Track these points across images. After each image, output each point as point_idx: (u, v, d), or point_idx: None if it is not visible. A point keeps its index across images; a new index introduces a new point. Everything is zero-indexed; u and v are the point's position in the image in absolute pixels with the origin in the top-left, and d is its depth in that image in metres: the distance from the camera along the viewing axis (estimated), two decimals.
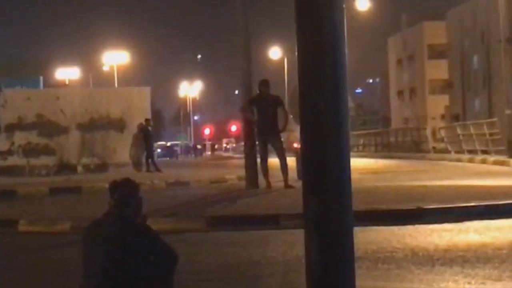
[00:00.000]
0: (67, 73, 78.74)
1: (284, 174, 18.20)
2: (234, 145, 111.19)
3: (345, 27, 4.53)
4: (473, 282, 7.59)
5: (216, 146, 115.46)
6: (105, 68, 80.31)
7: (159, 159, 45.61)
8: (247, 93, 19.42)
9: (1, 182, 24.35)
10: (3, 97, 30.55)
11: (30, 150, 30.12)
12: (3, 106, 30.16)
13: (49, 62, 69.37)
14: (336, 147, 4.44)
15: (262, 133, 18.30)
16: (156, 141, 64.30)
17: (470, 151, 36.06)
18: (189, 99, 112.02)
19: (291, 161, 19.83)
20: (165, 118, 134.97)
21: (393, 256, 9.27)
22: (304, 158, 4.53)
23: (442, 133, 44.06)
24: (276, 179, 18.71)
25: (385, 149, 51.93)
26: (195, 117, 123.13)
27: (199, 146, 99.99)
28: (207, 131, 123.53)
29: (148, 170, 30.10)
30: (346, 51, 4.51)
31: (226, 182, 23.18)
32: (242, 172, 20.75)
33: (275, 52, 77.17)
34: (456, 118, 71.20)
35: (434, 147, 44.90)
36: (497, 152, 32.66)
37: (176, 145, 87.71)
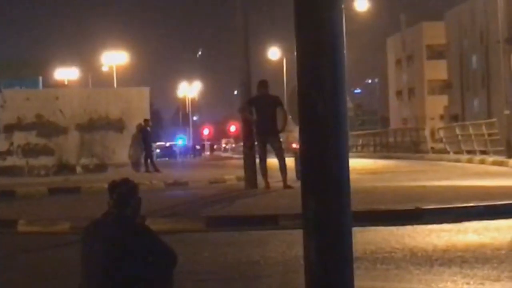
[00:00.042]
0: (66, 74, 78.70)
1: (283, 175, 18.21)
2: (233, 145, 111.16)
3: (344, 28, 4.54)
4: (471, 282, 7.60)
5: (215, 147, 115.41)
6: (104, 68, 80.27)
7: (158, 159, 45.60)
8: (246, 93, 19.42)
9: (0, 182, 24.35)
10: (2, 97, 30.55)
11: (29, 151, 30.12)
12: (2, 107, 30.16)
13: (48, 62, 69.39)
14: (335, 147, 4.45)
15: (261, 134, 18.31)
16: (155, 142, 64.29)
17: (469, 152, 36.06)
18: (188, 100, 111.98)
19: (290, 161, 19.83)
20: (164, 118, 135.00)
21: (391, 256, 9.27)
22: (303, 159, 4.54)
23: (441, 133, 44.06)
24: (275, 179, 18.71)
25: (384, 150, 51.92)
26: (194, 118, 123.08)
27: (198, 147, 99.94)
28: (206, 132, 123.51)
29: (147, 171, 30.10)
30: (345, 51, 4.52)
31: (225, 183, 23.18)
32: (241, 173, 20.75)
33: (274, 53, 77.15)
34: (455, 118, 71.21)
35: (432, 148, 44.91)
36: (496, 153, 32.67)
37: (175, 145, 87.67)
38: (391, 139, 52.72)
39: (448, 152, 39.26)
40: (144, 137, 30.78)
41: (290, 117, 19.05)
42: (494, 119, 38.27)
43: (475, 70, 72.37)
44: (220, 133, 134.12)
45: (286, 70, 74.20)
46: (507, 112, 32.33)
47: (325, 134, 4.44)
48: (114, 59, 75.31)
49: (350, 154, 4.73)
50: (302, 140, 4.53)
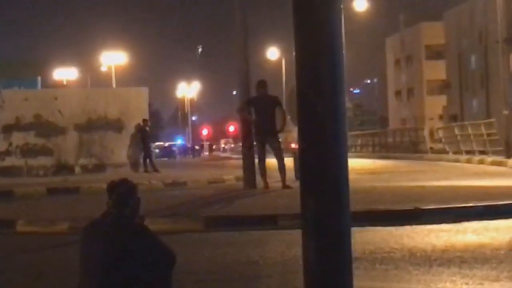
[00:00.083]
0: (65, 74, 78.68)
1: (282, 175, 18.21)
2: (232, 145, 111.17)
3: (343, 28, 4.54)
4: (470, 282, 7.59)
5: (214, 147, 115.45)
6: (103, 68, 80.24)
7: (157, 159, 45.60)
8: (245, 93, 19.42)
9: None
10: (1, 97, 30.56)
11: (28, 151, 30.12)
12: (1, 107, 30.17)
13: (47, 63, 69.39)
14: (333, 147, 4.44)
15: (260, 134, 18.31)
16: (154, 142, 64.29)
17: (468, 152, 36.08)
18: (187, 100, 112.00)
19: (289, 161, 19.83)
20: (163, 118, 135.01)
21: (390, 256, 9.27)
22: (302, 159, 4.54)
23: (440, 133, 44.08)
24: (274, 179, 18.71)
25: (382, 150, 51.94)
26: (193, 118, 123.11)
27: (197, 147, 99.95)
28: (205, 132, 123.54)
29: (146, 171, 30.10)
30: (343, 51, 4.52)
31: (224, 183, 23.18)
32: (240, 173, 20.75)
33: (273, 53, 77.14)
34: (454, 118, 71.23)
35: (432, 148, 44.95)
36: (495, 153, 32.68)
37: (174, 145, 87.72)
38: (390, 139, 52.75)
39: (447, 152, 39.28)
40: (143, 137, 30.78)
41: (289, 117, 19.05)
42: (493, 119, 38.28)
43: (474, 70, 72.40)
44: (219, 133, 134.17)
45: (285, 70, 74.19)
46: (506, 112, 32.35)
47: (324, 134, 4.44)
48: (113, 59, 75.28)
49: (349, 154, 4.72)
50: (301, 140, 4.53)
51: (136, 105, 31.01)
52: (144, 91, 32.29)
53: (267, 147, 18.36)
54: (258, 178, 18.73)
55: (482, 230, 11.27)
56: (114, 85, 66.44)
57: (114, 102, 30.85)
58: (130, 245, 5.23)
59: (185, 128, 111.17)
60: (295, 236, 6.72)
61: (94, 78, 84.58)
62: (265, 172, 18.39)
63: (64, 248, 10.99)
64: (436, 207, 12.97)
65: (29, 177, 28.41)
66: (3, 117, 30.02)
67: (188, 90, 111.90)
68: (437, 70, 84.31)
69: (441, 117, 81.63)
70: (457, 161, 34.21)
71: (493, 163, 29.56)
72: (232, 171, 27.01)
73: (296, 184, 15.13)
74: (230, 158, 65.94)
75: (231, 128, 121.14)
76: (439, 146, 43.89)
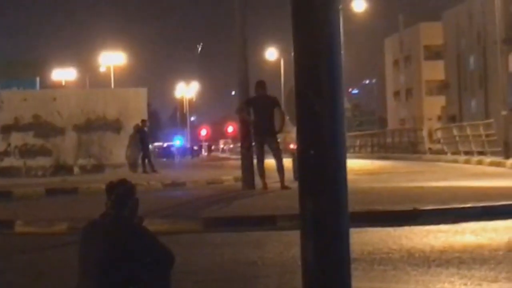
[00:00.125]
0: (64, 74, 78.69)
1: (280, 175, 18.21)
2: (231, 146, 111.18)
3: (342, 28, 4.54)
4: (469, 283, 7.60)
5: (212, 147, 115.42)
6: (102, 69, 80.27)
7: (158, 159, 45.62)
8: (244, 94, 19.42)
9: None
10: (0, 98, 30.55)
11: (26, 151, 30.12)
12: (0, 107, 30.16)
13: (46, 63, 69.34)
14: (332, 148, 4.44)
15: (258, 134, 18.31)
16: (153, 142, 64.32)
17: (466, 152, 36.08)
18: (186, 100, 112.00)
19: (288, 162, 19.84)
20: (161, 119, 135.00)
21: (389, 257, 9.28)
22: (300, 159, 4.54)
23: (439, 134, 44.09)
24: (273, 180, 18.72)
25: (381, 150, 51.95)
26: (192, 118, 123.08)
27: (195, 147, 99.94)
28: (203, 132, 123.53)
29: (144, 171, 30.10)
30: (342, 52, 4.52)
31: (223, 183, 23.18)
32: (238, 173, 20.75)
33: (271, 53, 77.16)
34: (452, 119, 71.30)
35: (430, 148, 44.94)
36: (493, 153, 32.68)
37: (172, 146, 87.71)
38: (388, 140, 52.76)
39: (445, 153, 39.28)
40: (142, 137, 30.78)
41: (287, 117, 19.05)
42: (491, 120, 38.28)
43: (472, 71, 72.46)
44: (218, 133, 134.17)
45: (284, 70, 74.22)
46: (504, 112, 32.33)
47: (322, 134, 4.44)
48: (112, 59, 75.30)
49: (347, 154, 4.72)
50: (300, 141, 4.53)
51: (135, 105, 31.01)
52: (142, 92, 32.29)
53: (266, 147, 18.36)
54: (257, 178, 18.73)
55: (481, 231, 11.28)
56: (112, 86, 66.46)
57: (112, 102, 30.85)
58: (129, 246, 5.23)
59: (183, 129, 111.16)
60: (294, 236, 6.73)
61: (92, 79, 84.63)
62: (264, 172, 18.40)
63: (63, 249, 10.99)
64: (435, 208, 12.97)
65: (28, 178, 28.40)
66: (1, 118, 30.01)
67: (186, 90, 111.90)
68: (435, 71, 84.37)
69: (439, 117, 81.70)
70: (455, 161, 34.22)
71: (492, 164, 29.56)
72: (230, 172, 27.01)
73: (294, 185, 15.13)
74: (228, 158, 65.95)
75: (230, 129, 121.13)
76: (437, 146, 43.89)
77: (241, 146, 20.08)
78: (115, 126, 30.54)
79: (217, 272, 8.89)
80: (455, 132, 39.14)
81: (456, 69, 75.76)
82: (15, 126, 30.11)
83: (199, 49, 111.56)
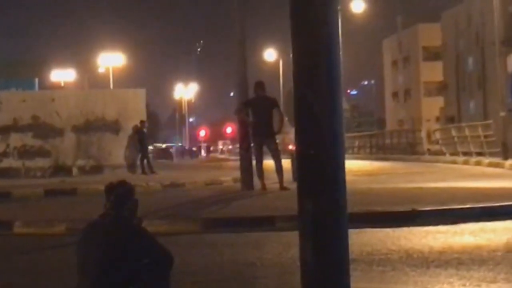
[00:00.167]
0: (63, 75, 78.65)
1: (279, 176, 18.22)
2: (230, 147, 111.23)
3: (340, 29, 4.55)
4: (468, 284, 7.60)
5: (211, 148, 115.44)
6: (101, 70, 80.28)
7: (156, 160, 45.61)
8: (243, 95, 19.43)
9: None
10: None
11: (25, 152, 30.12)
12: None
13: (45, 64, 69.30)
14: (331, 148, 4.45)
15: (257, 135, 18.31)
16: (151, 143, 64.29)
17: (465, 153, 36.09)
18: (185, 101, 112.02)
19: (286, 163, 19.84)
20: (160, 120, 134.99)
21: (388, 258, 9.28)
22: (299, 160, 4.55)
23: (437, 135, 44.10)
24: (271, 181, 18.72)
25: (380, 151, 51.96)
26: (191, 119, 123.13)
27: (194, 148, 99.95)
28: (202, 133, 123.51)
29: (143, 172, 30.09)
30: (341, 52, 4.53)
31: (222, 184, 23.17)
32: (237, 174, 20.75)
33: (270, 54, 77.16)
34: (451, 120, 71.32)
35: (429, 149, 44.94)
36: (492, 154, 32.69)
37: (171, 147, 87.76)
38: (387, 141, 52.78)
39: (444, 154, 39.29)
40: (140, 138, 30.78)
41: (286, 118, 19.06)
42: (490, 121, 38.30)
43: (471, 72, 72.47)
44: (217, 134, 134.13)
45: (283, 71, 74.23)
46: (503, 113, 32.35)
47: (321, 135, 4.44)
48: (111, 60, 75.31)
49: (346, 155, 4.73)
50: (298, 142, 4.54)
51: (134, 106, 31.01)
52: (141, 93, 32.29)
53: (265, 148, 18.37)
54: (256, 179, 18.73)
55: (479, 231, 11.28)
56: (111, 87, 66.45)
57: (111, 103, 30.85)
58: (128, 246, 5.24)
59: (182, 130, 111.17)
60: (293, 237, 6.73)
61: (91, 80, 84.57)
62: (263, 173, 18.40)
63: (62, 249, 10.99)
64: (433, 209, 12.98)
65: (27, 179, 28.40)
66: (0, 118, 30.01)
67: (185, 91, 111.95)
68: (434, 72, 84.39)
69: (438, 118, 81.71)
70: (454, 162, 34.23)
71: (490, 165, 29.57)
72: (229, 173, 27.00)
73: (293, 186, 15.14)
74: (227, 159, 65.94)
75: (229, 130, 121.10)
76: (436, 147, 43.89)
77: (240, 147, 20.08)
78: (114, 127, 30.54)
79: (216, 273, 8.89)
80: (453, 133, 39.15)
81: (454, 70, 75.78)
82: (14, 127, 30.11)
83: (199, 49, 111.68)
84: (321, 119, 4.44)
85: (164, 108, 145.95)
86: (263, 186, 18.28)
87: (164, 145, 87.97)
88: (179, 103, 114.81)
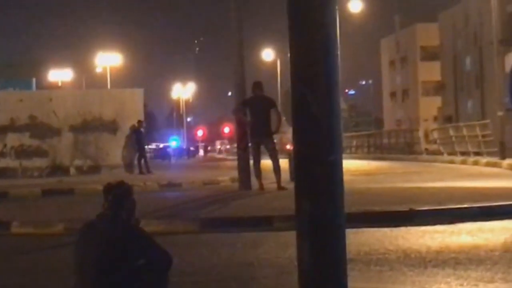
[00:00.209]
0: (60, 75, 78.62)
1: (277, 176, 18.21)
2: (227, 146, 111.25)
3: (338, 29, 4.54)
4: (465, 284, 7.60)
5: (209, 148, 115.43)
6: (98, 69, 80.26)
7: (154, 159, 45.60)
8: (240, 94, 19.42)
9: None
10: None
11: (22, 152, 30.11)
12: None
13: (42, 64, 69.29)
14: (328, 148, 4.45)
15: (255, 135, 18.30)
16: (149, 143, 64.30)
17: (462, 153, 36.11)
18: (182, 101, 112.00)
19: (284, 162, 19.83)
20: (158, 119, 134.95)
21: (385, 257, 9.28)
22: (296, 160, 4.54)
23: (435, 134, 44.11)
24: (269, 180, 18.72)
25: (377, 151, 51.99)
26: (188, 119, 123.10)
27: (192, 148, 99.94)
28: (200, 133, 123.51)
29: (140, 172, 30.08)
30: (338, 52, 4.53)
31: (219, 184, 23.17)
32: (235, 174, 20.75)
33: (268, 54, 77.17)
34: (448, 119, 71.35)
35: (426, 149, 44.97)
36: (490, 154, 32.71)
37: (169, 146, 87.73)
38: (385, 141, 52.81)
39: (442, 154, 39.31)
40: (138, 138, 30.77)
41: (284, 118, 19.05)
42: (487, 120, 38.32)
43: (468, 71, 72.50)
44: (214, 134, 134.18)
45: (280, 71, 74.23)
46: (500, 113, 32.38)
47: (318, 135, 4.44)
48: (108, 60, 75.29)
49: (344, 155, 4.73)
50: (296, 141, 4.54)
51: (131, 106, 31.01)
52: (139, 92, 32.29)
53: (262, 148, 18.36)
54: (253, 179, 18.73)
55: (477, 231, 11.29)
56: (109, 86, 66.42)
57: (109, 103, 30.84)
58: (126, 247, 5.23)
59: (180, 129, 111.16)
60: (290, 237, 6.73)
61: (89, 79, 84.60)
62: (260, 173, 18.39)
63: (60, 249, 10.98)
64: (431, 209, 12.98)
65: (24, 179, 28.39)
66: None
67: (183, 91, 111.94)
68: (432, 71, 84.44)
69: (435, 118, 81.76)
70: (452, 162, 34.24)
71: (488, 164, 29.59)
72: (227, 173, 27.00)
73: (291, 186, 15.13)
74: (225, 159, 65.94)
75: (226, 130, 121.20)
76: (434, 147, 43.91)
77: (238, 147, 20.08)
78: (112, 127, 30.54)
79: (213, 273, 8.89)
80: (451, 132, 39.17)
81: (452, 69, 75.81)
82: (11, 127, 30.10)
83: (197, 49, 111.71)
84: (319, 119, 4.44)
85: (162, 108, 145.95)
86: (261, 186, 18.28)
87: (161, 145, 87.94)
88: (177, 102, 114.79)
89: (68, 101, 30.81)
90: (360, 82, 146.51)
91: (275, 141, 19.06)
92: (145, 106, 35.04)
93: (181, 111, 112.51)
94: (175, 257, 5.62)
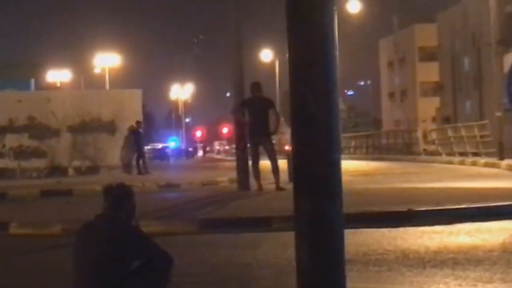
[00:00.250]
0: (59, 76, 78.57)
1: (275, 176, 18.22)
2: (226, 147, 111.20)
3: (336, 29, 4.55)
4: (464, 284, 7.61)
5: (207, 149, 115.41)
6: (97, 70, 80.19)
7: (153, 160, 45.58)
8: (239, 95, 19.42)
9: None
10: None
11: (21, 153, 30.10)
12: None
13: (41, 65, 69.19)
14: (327, 149, 4.45)
15: (253, 136, 18.31)
16: (148, 144, 64.25)
17: (461, 153, 36.12)
18: (181, 102, 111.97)
19: (283, 163, 19.84)
20: (156, 120, 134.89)
21: (384, 258, 9.28)
22: (295, 160, 4.55)
23: (433, 135, 44.14)
24: (268, 181, 18.72)
25: (376, 151, 52.01)
26: (187, 120, 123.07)
27: (190, 149, 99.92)
28: (198, 134, 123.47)
29: (139, 173, 30.08)
30: (337, 53, 4.53)
31: (218, 185, 23.17)
32: (233, 175, 20.75)
33: (266, 55, 77.15)
34: (447, 120, 71.34)
35: (425, 149, 45.00)
36: (488, 154, 32.73)
37: (167, 147, 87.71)
38: (383, 141, 52.83)
39: (440, 154, 39.33)
40: (136, 139, 30.77)
41: (283, 119, 19.06)
42: (486, 121, 38.34)
43: (467, 72, 72.51)
44: (213, 135, 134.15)
45: (279, 72, 74.23)
46: (499, 113, 32.40)
47: (317, 136, 4.45)
48: (107, 61, 75.23)
49: (342, 156, 4.73)
50: (294, 142, 4.54)
51: (130, 107, 31.00)
52: (137, 93, 32.29)
53: (261, 149, 18.36)
54: (252, 180, 18.73)
55: (475, 231, 11.29)
56: (107, 87, 66.38)
57: (107, 104, 30.84)
58: (125, 247, 5.24)
59: (178, 130, 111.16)
60: (289, 238, 6.74)
61: (87, 80, 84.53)
62: (259, 174, 18.40)
63: (59, 250, 10.98)
64: (429, 209, 12.98)
65: (23, 179, 28.38)
66: None
67: (182, 92, 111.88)
68: (430, 72, 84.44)
69: (434, 119, 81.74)
70: (450, 162, 34.25)
71: (486, 165, 29.59)
72: (226, 173, 27.00)
73: (289, 186, 15.14)
74: (224, 160, 65.92)
75: (225, 130, 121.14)
76: (432, 147, 43.94)
77: (236, 148, 20.08)
78: (110, 128, 30.53)
79: (212, 274, 8.89)
80: (449, 133, 39.19)
81: (450, 70, 75.81)
82: (10, 128, 30.09)
83: (196, 49, 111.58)
84: (318, 119, 4.44)
85: (160, 108, 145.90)
86: (260, 187, 18.28)
87: (159, 145, 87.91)
88: (176, 103, 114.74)
89: (67, 102, 30.80)
90: (359, 83, 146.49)
91: (273, 141, 19.07)
92: (143, 106, 35.06)
93: (179, 112, 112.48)
94: (174, 258, 5.63)
